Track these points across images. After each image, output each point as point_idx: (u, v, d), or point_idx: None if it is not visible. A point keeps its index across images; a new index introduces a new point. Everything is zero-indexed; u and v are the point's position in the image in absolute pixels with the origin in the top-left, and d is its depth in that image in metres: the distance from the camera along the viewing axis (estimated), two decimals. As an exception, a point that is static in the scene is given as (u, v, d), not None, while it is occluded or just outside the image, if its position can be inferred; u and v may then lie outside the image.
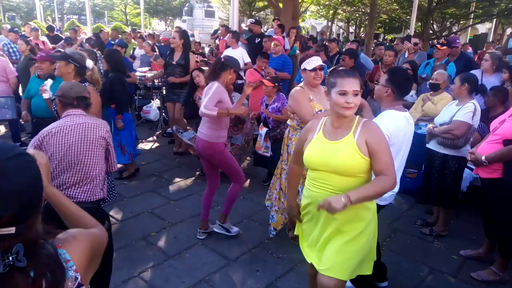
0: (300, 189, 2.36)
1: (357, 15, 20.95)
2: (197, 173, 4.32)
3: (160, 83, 5.93)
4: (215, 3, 21.05)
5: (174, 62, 4.64)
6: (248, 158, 4.93)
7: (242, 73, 5.62)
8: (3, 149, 0.71)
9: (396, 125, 2.04)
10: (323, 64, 2.73)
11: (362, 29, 24.07)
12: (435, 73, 3.75)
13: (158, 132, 5.91)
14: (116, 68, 3.90)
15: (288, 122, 2.94)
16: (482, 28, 22.60)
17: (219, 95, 2.71)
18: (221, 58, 2.93)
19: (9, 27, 8.32)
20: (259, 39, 6.42)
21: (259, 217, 3.41)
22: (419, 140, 3.61)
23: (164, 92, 5.47)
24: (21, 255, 0.67)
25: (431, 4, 12.95)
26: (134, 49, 7.37)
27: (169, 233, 3.10)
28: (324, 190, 1.70)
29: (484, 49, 8.96)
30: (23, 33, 8.10)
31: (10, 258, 0.66)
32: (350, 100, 1.61)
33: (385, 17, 17.63)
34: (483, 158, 2.44)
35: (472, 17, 15.01)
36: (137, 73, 5.99)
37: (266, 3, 15.59)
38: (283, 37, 6.52)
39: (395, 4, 16.31)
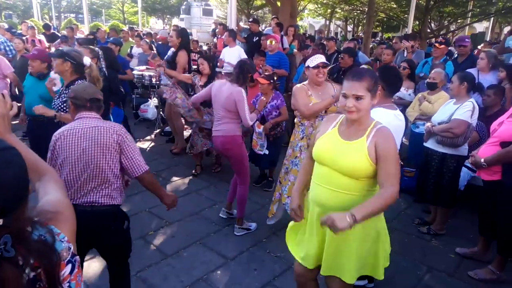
0: None
1: (355, 13, 20.96)
2: (193, 171, 4.32)
3: (158, 82, 5.90)
4: (213, 2, 21.00)
5: (170, 60, 4.63)
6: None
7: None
8: None
9: (385, 123, 2.00)
10: (326, 62, 2.77)
11: (360, 27, 24.07)
12: (433, 72, 3.75)
13: (156, 131, 5.89)
14: (110, 65, 3.90)
15: (294, 120, 2.99)
16: (479, 27, 22.66)
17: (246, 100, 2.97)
18: (245, 62, 3.07)
19: (6, 25, 8.26)
20: (257, 38, 6.42)
21: (256, 216, 3.41)
22: (417, 139, 3.63)
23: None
24: (9, 245, 0.68)
25: (429, 3, 12.98)
26: (131, 47, 7.33)
27: (167, 232, 3.10)
28: (324, 187, 1.69)
29: (482, 46, 8.98)
30: (19, 31, 8.05)
31: None
32: (349, 104, 1.58)
33: (383, 15, 17.65)
34: (482, 160, 2.45)
35: (469, 16, 15.06)
36: (135, 72, 5.97)
37: (264, 1, 15.57)
38: (281, 36, 6.51)
39: (393, 3, 16.32)
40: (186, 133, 5.32)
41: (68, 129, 1.85)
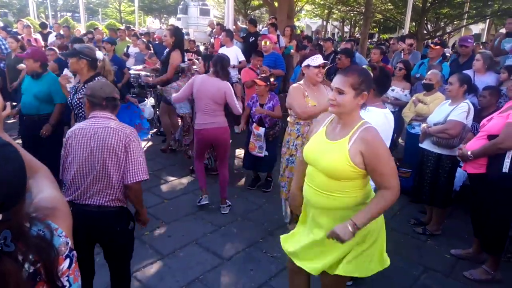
0: None
1: (352, 14, 21.03)
2: (191, 167, 4.30)
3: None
4: (210, 2, 20.97)
5: (164, 60, 4.63)
6: (243, 157, 4.92)
7: (236, 71, 5.64)
8: None
9: (373, 121, 2.02)
10: (327, 61, 2.82)
11: (357, 28, 24.16)
12: (429, 73, 3.77)
13: (152, 131, 5.87)
14: None
15: (289, 119, 3.01)
16: (475, 28, 22.82)
17: None
18: (223, 58, 3.26)
19: (1, 24, 8.19)
20: (253, 38, 6.43)
21: (253, 216, 3.41)
22: (413, 140, 3.65)
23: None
24: (9, 240, 0.69)
25: (425, 5, 13.04)
26: (128, 47, 7.31)
27: (163, 232, 3.09)
28: (311, 188, 1.70)
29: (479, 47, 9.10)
30: (15, 30, 7.99)
31: None
32: (331, 96, 1.61)
33: (380, 17, 17.72)
34: (469, 153, 2.48)
35: (465, 17, 15.15)
36: (131, 71, 5.94)
37: (261, 1, 15.57)
38: (278, 35, 6.52)
39: (389, 4, 16.39)
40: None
41: (80, 128, 1.83)
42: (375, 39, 19.24)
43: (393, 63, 5.22)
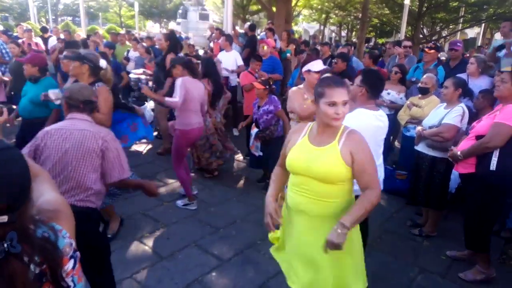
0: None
1: (349, 19, 21.22)
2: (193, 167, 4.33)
3: (154, 85, 5.93)
4: (209, 6, 21.11)
5: (160, 63, 4.70)
6: (241, 159, 4.96)
7: (235, 75, 5.70)
8: None
9: (365, 123, 2.09)
10: (328, 67, 2.94)
11: (354, 33, 24.34)
12: (424, 76, 3.83)
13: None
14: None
15: (291, 122, 3.09)
16: (471, 32, 23.03)
17: None
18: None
19: (1, 28, 8.25)
20: (249, 40, 6.53)
21: (252, 218, 3.44)
22: (408, 143, 3.70)
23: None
24: (15, 241, 0.71)
25: (421, 9, 13.20)
26: (128, 51, 7.37)
27: (162, 234, 3.11)
28: (304, 196, 1.69)
29: (470, 51, 9.21)
30: (15, 34, 8.05)
31: (5, 245, 0.70)
32: (340, 111, 1.59)
33: (377, 21, 17.89)
34: (459, 153, 2.54)
35: (461, 21, 15.33)
36: (131, 75, 6.00)
37: (259, 6, 15.69)
38: (275, 40, 6.61)
39: (386, 9, 16.55)
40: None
41: (55, 128, 1.86)
42: (371, 43, 19.38)
43: (388, 67, 5.29)
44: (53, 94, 3.08)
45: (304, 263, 1.76)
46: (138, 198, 3.73)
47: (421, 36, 14.13)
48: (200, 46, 12.50)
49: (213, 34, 8.80)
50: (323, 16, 21.19)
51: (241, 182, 4.35)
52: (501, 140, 2.34)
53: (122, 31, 10.58)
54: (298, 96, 2.85)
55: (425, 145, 3.06)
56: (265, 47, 5.35)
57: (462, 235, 3.19)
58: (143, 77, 6.02)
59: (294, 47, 7.11)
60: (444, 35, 17.32)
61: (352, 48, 8.34)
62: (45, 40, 7.99)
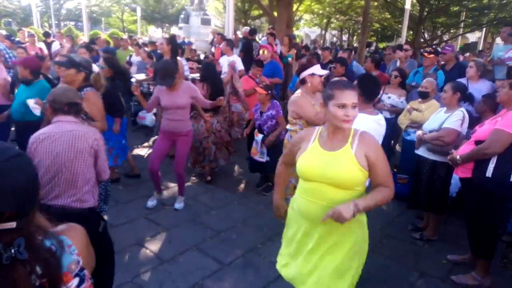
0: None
1: (350, 23, 21.31)
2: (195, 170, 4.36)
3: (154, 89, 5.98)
4: (211, 11, 21.27)
5: None
6: (242, 162, 4.97)
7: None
8: (2, 150, 0.76)
9: (364, 128, 2.09)
10: (330, 72, 2.98)
11: (355, 37, 24.44)
12: (424, 81, 3.85)
13: (153, 138, 5.93)
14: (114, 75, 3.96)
15: (289, 127, 3.06)
16: (472, 37, 23.09)
17: None
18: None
19: (4, 33, 8.34)
20: (247, 43, 6.61)
21: (252, 222, 3.45)
22: (409, 147, 3.71)
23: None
24: (23, 248, 0.71)
25: (422, 14, 13.25)
26: (130, 55, 7.44)
27: (163, 238, 3.13)
28: (317, 203, 1.65)
29: (468, 55, 9.26)
30: (18, 39, 8.13)
31: (12, 251, 0.70)
32: (350, 113, 1.58)
33: (378, 26, 17.96)
34: (458, 157, 2.56)
35: (462, 26, 15.38)
36: (133, 79, 6.04)
37: (261, 11, 15.80)
38: (276, 44, 6.66)
39: (387, 13, 16.63)
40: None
41: (44, 133, 1.88)
42: (373, 48, 19.48)
43: (389, 71, 5.32)
44: (31, 102, 2.94)
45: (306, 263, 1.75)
46: (140, 202, 3.75)
47: (422, 40, 14.18)
48: (202, 51, 12.59)
49: (215, 39, 8.88)
50: (325, 20, 21.30)
51: (242, 185, 4.36)
52: (500, 147, 2.33)
53: (125, 36, 10.68)
54: (308, 104, 2.86)
55: (425, 149, 3.07)
56: (265, 52, 5.40)
57: (463, 239, 3.19)
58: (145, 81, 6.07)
59: (295, 51, 7.16)
60: (445, 39, 17.37)
61: (353, 52, 8.38)
62: (48, 45, 8.08)
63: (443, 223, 3.40)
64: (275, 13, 10.35)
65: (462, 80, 3.73)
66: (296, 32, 23.35)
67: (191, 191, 4.08)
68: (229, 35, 6.65)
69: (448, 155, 2.94)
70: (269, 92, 3.88)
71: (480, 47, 16.95)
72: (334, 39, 27.76)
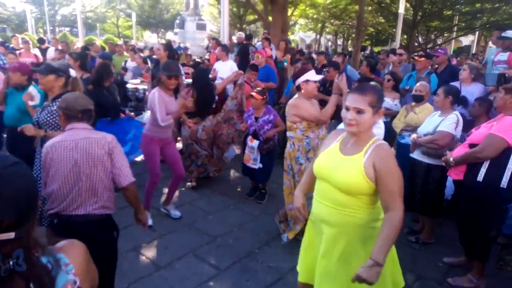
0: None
1: (344, 28, 21.52)
2: (189, 183, 4.34)
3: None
4: (206, 16, 21.37)
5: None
6: (238, 167, 4.97)
7: (231, 85, 5.75)
8: (0, 158, 0.76)
9: None
10: (324, 76, 2.99)
11: (350, 41, 24.66)
12: (418, 84, 3.88)
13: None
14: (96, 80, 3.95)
15: (290, 134, 3.01)
16: (465, 40, 23.40)
17: None
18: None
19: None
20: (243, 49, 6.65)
21: (249, 227, 3.45)
22: (403, 150, 3.74)
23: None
24: (21, 260, 0.70)
25: (416, 18, 13.42)
26: (126, 61, 7.44)
27: (160, 244, 3.11)
28: (324, 204, 1.66)
29: (460, 58, 9.40)
30: (11, 45, 8.11)
31: (11, 263, 0.69)
32: (349, 116, 1.56)
33: (372, 30, 18.15)
34: (451, 159, 2.58)
35: (455, 30, 15.59)
36: (129, 85, 6.05)
37: (256, 16, 15.91)
38: (271, 49, 6.71)
39: (381, 18, 16.82)
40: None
41: (60, 141, 1.85)
42: (367, 52, 19.67)
43: (384, 76, 5.36)
44: (30, 93, 3.16)
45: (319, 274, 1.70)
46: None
47: (416, 44, 14.34)
48: (197, 56, 12.62)
49: (210, 44, 8.92)
50: (319, 25, 21.49)
51: (238, 190, 4.36)
52: (492, 152, 2.36)
53: (120, 42, 10.69)
54: (309, 105, 2.87)
55: (420, 153, 3.10)
56: (260, 57, 5.44)
57: (458, 241, 3.21)
58: (140, 87, 6.07)
59: (290, 56, 7.21)
60: (439, 43, 17.59)
61: (347, 57, 8.46)
62: (43, 51, 8.06)
63: (438, 226, 3.42)
64: (270, 18, 10.43)
65: (455, 83, 3.78)
66: (291, 37, 23.54)
67: (187, 197, 4.07)
68: (224, 40, 6.68)
69: (441, 158, 2.98)
70: (264, 97, 3.89)
71: (473, 50, 17.17)
72: (329, 43, 28.01)
